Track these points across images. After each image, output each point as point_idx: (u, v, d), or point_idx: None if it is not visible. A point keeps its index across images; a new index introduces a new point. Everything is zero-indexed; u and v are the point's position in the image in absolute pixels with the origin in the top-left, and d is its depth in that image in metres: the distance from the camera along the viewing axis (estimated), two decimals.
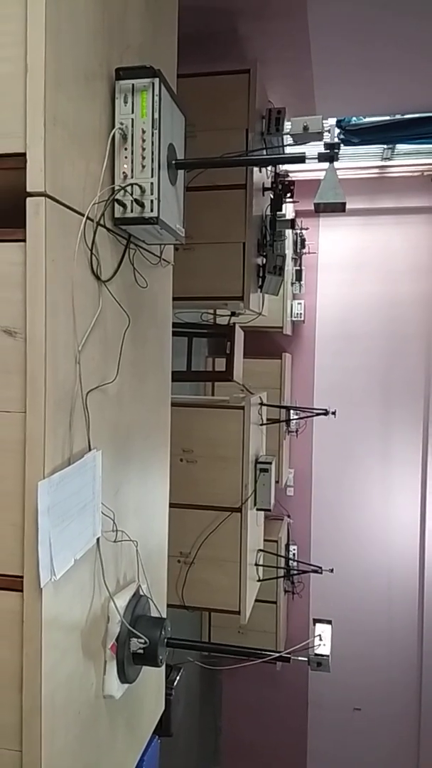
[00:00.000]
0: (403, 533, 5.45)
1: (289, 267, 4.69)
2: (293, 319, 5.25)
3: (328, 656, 1.97)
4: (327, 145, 1.21)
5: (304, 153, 1.28)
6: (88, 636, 1.17)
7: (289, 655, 2.15)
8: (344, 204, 1.21)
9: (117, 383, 1.28)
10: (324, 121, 1.33)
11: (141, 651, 1.26)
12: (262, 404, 3.09)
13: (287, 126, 2.58)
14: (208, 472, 2.73)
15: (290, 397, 5.26)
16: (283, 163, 3.00)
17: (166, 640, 1.32)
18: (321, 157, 1.21)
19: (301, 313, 5.30)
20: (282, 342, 5.37)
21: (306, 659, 2.05)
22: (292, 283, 5.01)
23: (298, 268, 5.07)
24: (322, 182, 1.21)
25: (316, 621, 2.11)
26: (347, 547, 5.47)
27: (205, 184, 2.45)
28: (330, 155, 1.20)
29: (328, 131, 1.26)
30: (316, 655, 1.97)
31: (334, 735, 5.68)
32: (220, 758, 5.93)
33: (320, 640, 2.00)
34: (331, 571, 3.24)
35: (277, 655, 2.23)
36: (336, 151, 1.20)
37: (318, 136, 1.28)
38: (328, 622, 2.09)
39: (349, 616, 5.16)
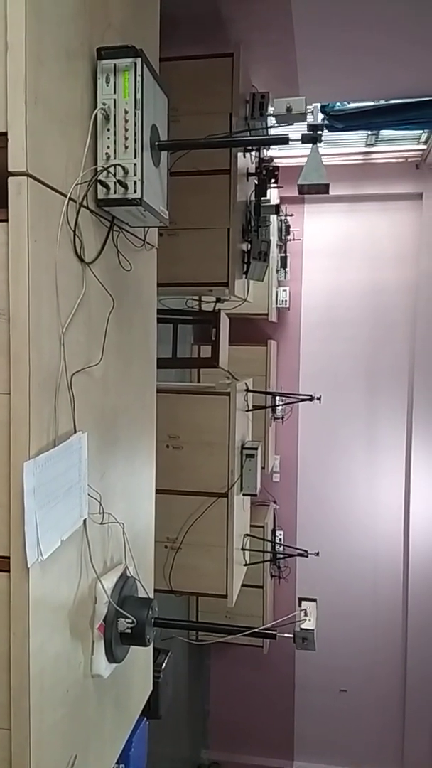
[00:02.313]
0: (389, 518, 5.51)
1: (274, 254, 4.69)
2: (278, 306, 5.25)
3: (313, 630, 2.00)
4: (310, 126, 1.21)
5: (287, 135, 1.28)
6: (76, 616, 1.17)
7: (274, 631, 2.18)
8: (328, 185, 1.21)
9: (102, 366, 1.29)
10: (308, 106, 1.34)
11: (129, 631, 1.27)
12: (247, 390, 3.10)
13: (271, 110, 2.57)
14: (194, 458, 2.74)
15: (276, 383, 5.28)
16: (267, 144, 2.99)
17: (153, 620, 1.33)
18: (304, 138, 1.21)
19: (286, 300, 5.30)
20: (267, 329, 5.37)
21: (291, 635, 2.08)
22: (277, 270, 5.00)
23: (283, 254, 5.06)
24: (305, 163, 1.21)
25: (301, 600, 2.13)
26: (333, 532, 5.52)
27: (189, 169, 2.44)
28: (313, 136, 1.20)
29: (311, 112, 1.26)
30: (302, 629, 2.00)
31: (320, 717, 5.76)
32: (209, 741, 6.00)
33: (305, 615, 2.03)
34: (317, 554, 3.28)
35: (263, 628, 2.26)
36: (319, 132, 1.20)
37: (301, 117, 1.28)
38: (313, 600, 2.13)
39: (335, 600, 5.22)
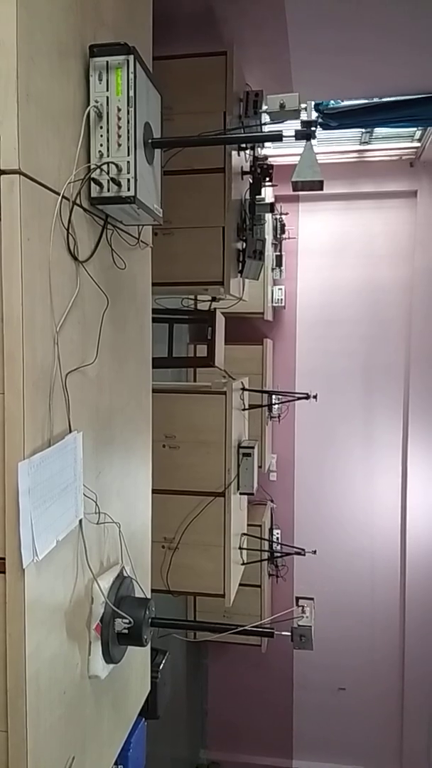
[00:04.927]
0: (385, 515, 5.51)
1: (269, 252, 4.68)
2: (274, 304, 5.25)
3: (310, 627, 2.00)
4: (304, 123, 1.21)
5: (281, 131, 1.28)
6: (72, 617, 1.17)
7: (271, 629, 2.18)
8: (322, 182, 1.21)
9: (97, 366, 1.28)
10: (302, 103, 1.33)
11: (126, 631, 1.26)
12: (244, 389, 3.09)
13: (264, 107, 2.57)
14: (190, 458, 2.73)
15: (272, 382, 5.27)
16: (260, 141, 2.99)
17: (150, 620, 1.32)
18: (298, 135, 1.21)
19: (281, 299, 5.30)
20: (263, 328, 5.37)
21: (289, 633, 2.08)
22: (273, 269, 5.00)
23: (278, 253, 5.06)
24: (299, 160, 1.20)
25: (298, 599, 2.13)
26: (330, 531, 5.52)
27: (184, 168, 2.44)
28: (307, 133, 1.19)
29: (305, 109, 1.26)
30: (299, 626, 2.00)
31: (319, 715, 5.76)
32: (207, 740, 5.99)
33: (302, 612, 2.03)
34: (314, 552, 3.27)
35: (255, 625, 2.25)
36: (313, 128, 1.20)
37: (295, 113, 1.27)
38: (310, 598, 2.12)
39: (333, 598, 5.22)
